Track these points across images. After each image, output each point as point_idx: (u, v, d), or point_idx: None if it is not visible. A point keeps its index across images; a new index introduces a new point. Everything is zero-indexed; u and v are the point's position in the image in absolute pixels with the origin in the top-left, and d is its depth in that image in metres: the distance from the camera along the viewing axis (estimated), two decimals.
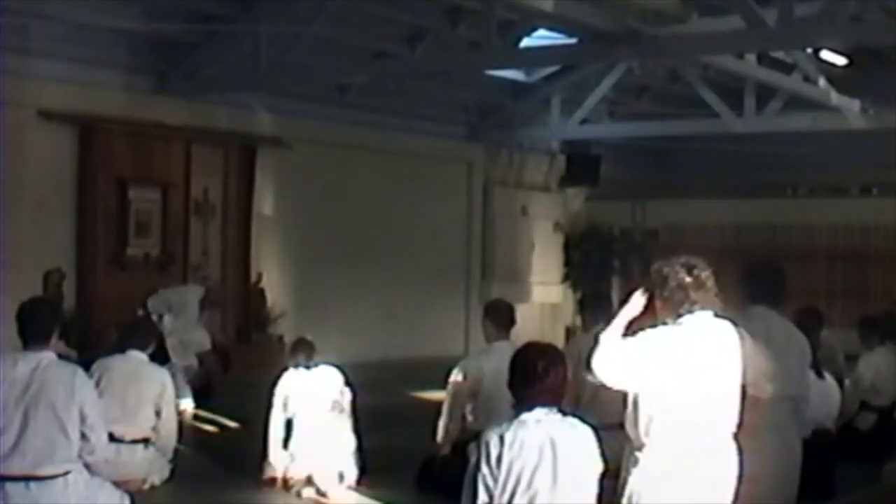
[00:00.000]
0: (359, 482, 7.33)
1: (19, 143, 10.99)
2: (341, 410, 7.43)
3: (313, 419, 7.31)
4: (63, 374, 5.51)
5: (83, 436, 5.49)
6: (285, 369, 7.52)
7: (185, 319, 10.58)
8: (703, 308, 4.51)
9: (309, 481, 7.18)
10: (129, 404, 7.10)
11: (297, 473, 7.23)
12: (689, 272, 4.53)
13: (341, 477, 7.28)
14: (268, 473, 7.37)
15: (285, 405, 7.40)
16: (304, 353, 7.50)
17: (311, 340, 7.64)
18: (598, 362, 4.37)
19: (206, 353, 10.57)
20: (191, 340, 10.39)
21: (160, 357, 8.24)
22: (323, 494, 7.14)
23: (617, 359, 4.37)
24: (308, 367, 7.44)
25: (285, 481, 7.29)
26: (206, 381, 10.49)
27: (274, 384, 7.49)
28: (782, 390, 5.25)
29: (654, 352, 4.37)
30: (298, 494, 7.17)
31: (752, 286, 5.51)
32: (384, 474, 7.54)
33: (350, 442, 7.39)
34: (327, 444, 7.26)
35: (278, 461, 7.33)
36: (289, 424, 7.41)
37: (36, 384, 5.43)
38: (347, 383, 7.53)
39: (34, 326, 5.57)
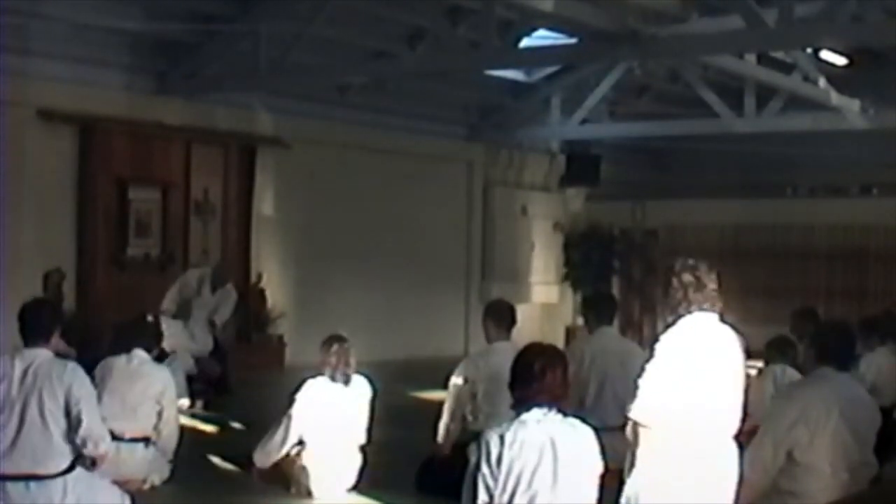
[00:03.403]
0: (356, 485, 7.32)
1: (19, 143, 10.99)
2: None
3: (334, 443, 7.12)
4: (56, 370, 5.53)
5: (77, 426, 5.50)
6: (311, 377, 7.13)
7: (199, 308, 10.60)
8: (703, 309, 4.51)
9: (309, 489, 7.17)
10: (129, 401, 7.09)
11: (303, 478, 7.18)
12: (692, 273, 4.54)
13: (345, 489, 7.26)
14: (258, 462, 7.30)
15: (302, 417, 7.07)
16: (345, 358, 7.04)
17: (347, 338, 7.15)
18: (638, 412, 4.42)
19: (205, 358, 10.58)
20: (193, 343, 10.39)
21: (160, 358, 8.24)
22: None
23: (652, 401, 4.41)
24: (346, 382, 7.10)
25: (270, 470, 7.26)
26: (206, 384, 10.53)
27: (298, 388, 7.13)
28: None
29: (669, 374, 4.40)
30: (289, 488, 7.17)
31: (821, 346, 5.30)
32: (384, 474, 7.54)
33: (358, 454, 7.32)
34: (340, 465, 7.20)
35: (273, 458, 7.28)
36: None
37: (30, 381, 5.47)
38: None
39: (34, 325, 5.62)
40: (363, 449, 7.28)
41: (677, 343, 4.47)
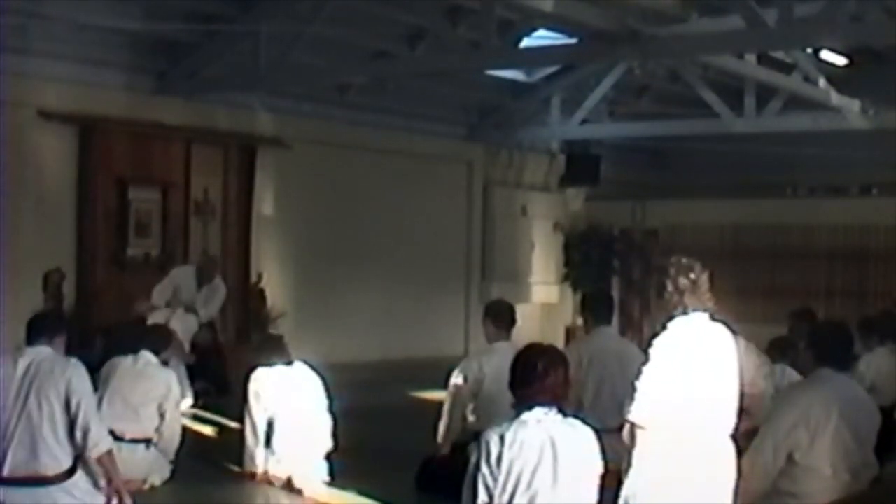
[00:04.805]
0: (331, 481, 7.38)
1: (19, 142, 10.99)
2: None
3: (296, 418, 7.31)
4: (58, 365, 5.55)
5: (76, 425, 5.51)
6: (254, 367, 7.48)
7: (182, 307, 10.63)
8: (696, 310, 4.55)
9: (289, 482, 7.24)
10: (132, 402, 7.13)
11: (279, 472, 7.28)
12: (687, 275, 4.57)
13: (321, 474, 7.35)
14: (249, 469, 7.43)
15: (265, 406, 7.36)
16: (278, 351, 7.45)
17: (282, 336, 7.65)
18: (635, 415, 4.44)
19: (197, 332, 10.62)
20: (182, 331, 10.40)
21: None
22: (300, 492, 7.20)
23: (649, 403, 4.43)
24: (287, 364, 7.43)
25: (266, 475, 7.36)
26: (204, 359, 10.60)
27: (246, 380, 7.48)
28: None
29: (664, 376, 4.41)
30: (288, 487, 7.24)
31: (818, 348, 5.29)
32: (384, 474, 7.55)
33: (328, 440, 7.42)
34: (309, 442, 7.30)
35: (260, 459, 7.39)
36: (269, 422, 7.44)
37: (31, 377, 5.49)
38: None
39: (38, 326, 5.67)
40: (334, 437, 7.44)
41: (671, 344, 4.49)
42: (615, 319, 8.14)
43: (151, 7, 11.49)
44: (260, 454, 7.39)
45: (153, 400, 7.22)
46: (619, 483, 4.53)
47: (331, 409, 7.49)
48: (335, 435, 7.46)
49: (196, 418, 9.66)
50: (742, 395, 4.72)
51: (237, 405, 10.08)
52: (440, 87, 14.83)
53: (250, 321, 13.12)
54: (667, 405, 4.38)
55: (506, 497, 4.13)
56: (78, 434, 5.55)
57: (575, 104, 15.38)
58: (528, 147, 17.20)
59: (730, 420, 4.60)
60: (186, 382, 9.86)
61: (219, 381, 10.81)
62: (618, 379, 6.65)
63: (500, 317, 7.27)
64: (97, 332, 10.58)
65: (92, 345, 9.84)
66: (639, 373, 4.49)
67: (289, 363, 7.45)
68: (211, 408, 10.07)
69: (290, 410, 7.32)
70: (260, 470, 7.40)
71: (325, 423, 7.43)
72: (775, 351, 7.65)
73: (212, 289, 10.96)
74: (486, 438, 4.21)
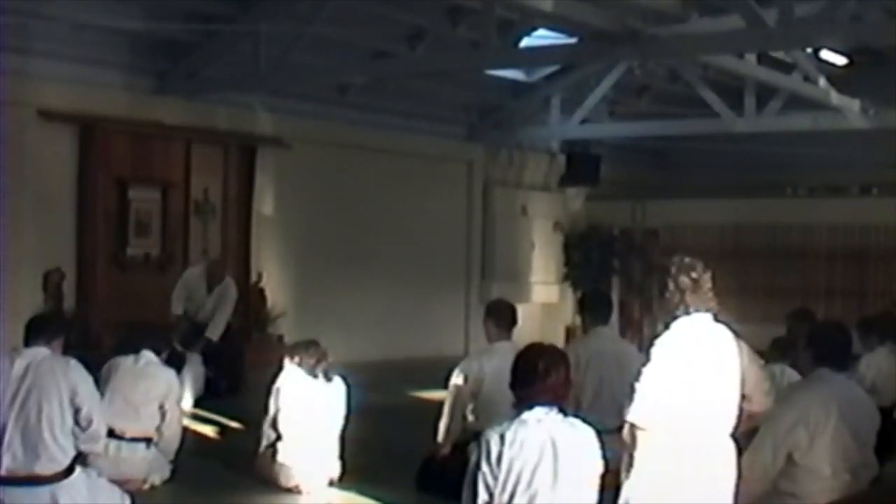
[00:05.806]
0: (340, 478, 7.38)
1: (20, 142, 10.99)
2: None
3: (311, 435, 7.30)
4: (59, 366, 5.56)
5: (79, 423, 5.52)
6: (282, 366, 7.44)
7: (196, 309, 10.66)
8: (698, 310, 4.54)
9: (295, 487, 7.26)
10: (133, 401, 7.14)
11: (285, 481, 7.29)
12: (688, 274, 4.56)
13: (327, 479, 7.36)
14: (259, 470, 7.46)
15: (281, 420, 7.33)
16: (322, 362, 7.36)
17: (322, 345, 7.49)
18: (635, 416, 4.44)
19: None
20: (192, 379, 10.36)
21: (174, 362, 8.27)
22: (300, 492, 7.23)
23: (649, 404, 4.43)
24: (328, 380, 7.37)
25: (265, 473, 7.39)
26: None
27: (274, 378, 7.43)
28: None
29: (667, 375, 4.41)
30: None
31: (818, 348, 5.29)
32: (384, 474, 7.56)
33: (335, 446, 7.42)
34: (316, 456, 7.30)
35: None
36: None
37: (30, 378, 5.49)
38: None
39: (37, 328, 5.67)
40: (342, 440, 7.42)
41: (673, 345, 4.48)
42: (615, 320, 8.11)
43: (151, 7, 11.49)
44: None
45: (154, 399, 7.23)
46: (619, 483, 4.52)
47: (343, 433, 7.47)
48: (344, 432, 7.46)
49: (197, 418, 9.66)
50: (742, 397, 4.72)
51: (237, 406, 10.15)
52: (440, 87, 14.84)
53: (250, 321, 13.13)
54: (668, 406, 4.38)
55: (506, 496, 4.13)
56: (84, 437, 5.57)
57: (575, 104, 15.38)
58: (528, 147, 17.20)
59: (730, 420, 4.60)
60: (192, 383, 9.87)
61: (232, 379, 10.82)
62: (616, 380, 6.65)
63: (502, 316, 7.26)
64: (104, 330, 10.60)
65: (97, 344, 9.85)
66: (638, 373, 4.49)
67: (328, 378, 7.37)
68: (213, 408, 10.07)
69: (304, 431, 7.30)
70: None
71: (336, 432, 7.42)
72: (776, 351, 7.64)
73: (221, 293, 10.87)
74: (486, 437, 4.21)
